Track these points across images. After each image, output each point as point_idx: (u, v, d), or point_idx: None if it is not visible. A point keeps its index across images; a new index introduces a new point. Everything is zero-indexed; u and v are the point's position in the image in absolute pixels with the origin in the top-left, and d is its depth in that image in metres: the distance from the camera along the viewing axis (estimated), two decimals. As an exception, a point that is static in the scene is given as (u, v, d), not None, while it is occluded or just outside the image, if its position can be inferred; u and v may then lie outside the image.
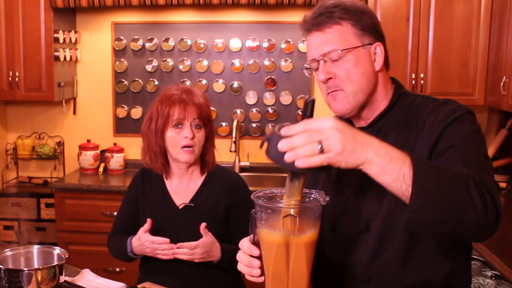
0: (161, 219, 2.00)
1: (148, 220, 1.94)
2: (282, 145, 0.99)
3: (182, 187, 2.06)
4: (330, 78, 1.31)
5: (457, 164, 1.15)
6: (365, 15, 1.33)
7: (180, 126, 1.96)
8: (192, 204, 2.02)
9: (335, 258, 1.38)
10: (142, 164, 2.11)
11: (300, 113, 3.72)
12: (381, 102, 1.37)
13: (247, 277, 1.25)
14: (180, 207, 2.03)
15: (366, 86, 1.32)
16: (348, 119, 1.41)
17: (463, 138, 1.21)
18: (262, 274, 1.19)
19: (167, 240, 1.90)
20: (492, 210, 1.06)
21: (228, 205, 2.02)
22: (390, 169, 1.03)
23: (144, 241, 1.92)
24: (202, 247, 1.87)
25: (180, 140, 1.95)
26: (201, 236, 1.89)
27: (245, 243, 1.22)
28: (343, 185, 1.37)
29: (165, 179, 2.08)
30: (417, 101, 1.36)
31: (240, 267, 1.24)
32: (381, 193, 1.21)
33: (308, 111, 1.06)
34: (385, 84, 1.37)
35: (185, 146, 1.95)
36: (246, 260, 1.22)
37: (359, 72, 1.31)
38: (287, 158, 0.99)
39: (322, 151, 0.98)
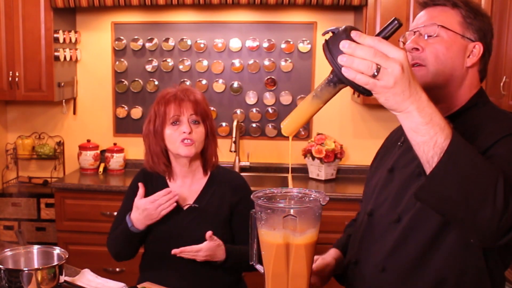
0: (166, 220, 2.00)
1: (140, 184, 1.94)
2: (344, 45, 0.96)
3: (186, 188, 2.06)
4: (417, 49, 1.29)
5: None
6: (481, 17, 1.32)
7: (177, 122, 1.97)
8: (197, 205, 2.02)
9: (364, 241, 1.41)
10: (142, 164, 2.11)
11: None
12: (461, 101, 1.33)
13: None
14: (185, 208, 2.02)
15: (449, 72, 1.29)
16: None
17: (510, 151, 1.16)
18: None
19: (167, 189, 1.90)
20: (509, 217, 1.01)
21: (232, 206, 2.03)
22: (425, 130, 0.99)
23: (144, 204, 1.90)
24: (206, 251, 1.87)
25: (178, 135, 1.96)
26: (203, 237, 1.89)
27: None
28: (394, 176, 1.38)
29: (168, 181, 2.07)
30: (491, 113, 1.32)
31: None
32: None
33: (388, 31, 1.03)
34: (472, 85, 1.34)
35: (184, 140, 1.95)
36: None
37: (448, 55, 1.29)
38: (341, 60, 0.96)
39: (375, 75, 0.95)
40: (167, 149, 2.01)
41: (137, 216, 1.93)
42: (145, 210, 1.90)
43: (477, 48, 1.31)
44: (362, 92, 0.99)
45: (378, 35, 1.02)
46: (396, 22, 1.02)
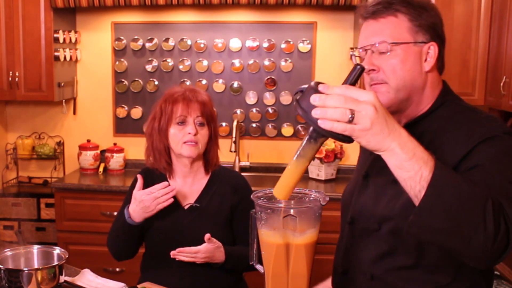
0: (166, 219, 2.00)
1: (139, 176, 1.93)
2: (315, 99, 0.97)
3: (187, 187, 2.06)
4: (373, 70, 1.27)
5: (479, 184, 1.09)
6: (426, 12, 1.28)
7: (183, 123, 1.97)
8: (198, 205, 2.02)
9: (350, 250, 1.39)
10: (142, 164, 2.11)
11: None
12: (427, 104, 1.32)
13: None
14: (186, 207, 2.02)
15: (410, 84, 1.27)
16: None
17: (492, 160, 1.15)
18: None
19: (165, 183, 1.88)
20: (502, 238, 1.01)
21: (233, 206, 2.02)
22: (409, 165, 1.00)
23: (141, 195, 1.87)
24: (204, 252, 1.86)
25: (183, 136, 1.96)
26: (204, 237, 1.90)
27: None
28: (369, 182, 1.36)
29: (168, 179, 2.08)
30: (460, 111, 1.31)
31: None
32: (397, 198, 1.19)
33: (353, 78, 1.03)
34: (434, 86, 1.32)
35: (188, 141, 1.95)
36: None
37: (405, 68, 1.26)
38: (315, 113, 0.97)
39: (350, 121, 0.96)
40: (169, 147, 2.01)
41: (134, 207, 1.91)
42: (142, 201, 1.88)
43: (432, 49, 1.29)
44: (343, 140, 1.00)
45: (344, 83, 1.03)
46: (359, 67, 1.03)
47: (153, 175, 2.08)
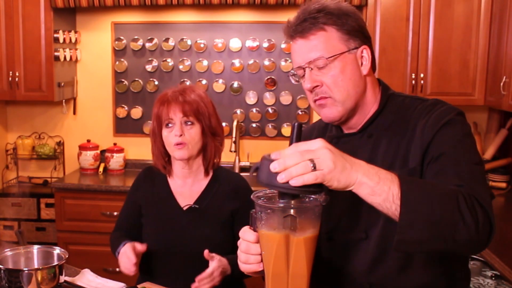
0: (165, 220, 2.00)
1: (143, 245, 1.91)
2: (274, 166, 1.00)
3: (187, 187, 2.06)
4: (317, 86, 1.29)
5: (447, 176, 1.15)
6: (350, 18, 1.30)
7: (170, 125, 1.98)
8: (197, 206, 2.01)
9: (335, 265, 1.37)
10: (142, 164, 2.12)
11: (300, 113, 3.73)
12: (371, 106, 1.35)
13: (241, 266, 1.24)
14: (184, 208, 2.02)
15: (354, 92, 1.30)
16: (338, 126, 1.39)
17: (454, 145, 1.20)
18: (261, 261, 1.19)
19: (133, 260, 1.85)
20: (484, 223, 1.06)
21: (234, 209, 2.01)
22: (380, 189, 1.03)
23: (121, 253, 1.89)
24: (217, 268, 1.83)
25: (172, 138, 1.96)
26: (204, 238, 1.91)
27: (246, 231, 1.22)
28: (337, 193, 1.35)
29: (169, 179, 2.08)
30: (405, 102, 1.34)
31: (238, 253, 1.24)
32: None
33: (295, 135, 1.07)
34: (374, 87, 1.35)
35: (176, 144, 1.95)
36: (244, 246, 1.22)
37: (346, 78, 1.28)
38: (280, 178, 0.99)
39: (314, 169, 0.98)
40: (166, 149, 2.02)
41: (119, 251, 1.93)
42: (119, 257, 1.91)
43: (366, 52, 1.31)
44: (314, 192, 1.02)
45: (290, 144, 1.06)
46: (296, 124, 1.07)
47: (154, 175, 2.09)
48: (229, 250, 1.99)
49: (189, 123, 1.98)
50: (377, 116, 1.34)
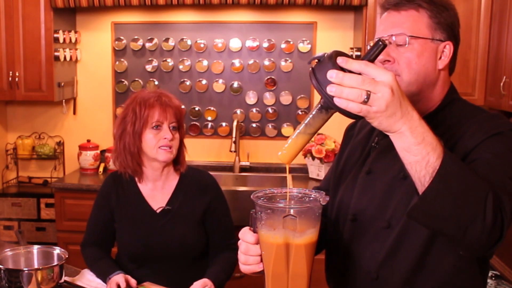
0: (139, 224, 2.01)
1: (134, 282, 1.91)
2: (331, 75, 0.96)
3: (157, 190, 2.07)
4: (389, 61, 1.27)
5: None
6: (447, 11, 1.29)
7: (159, 127, 1.98)
8: (170, 207, 2.03)
9: (351, 248, 1.37)
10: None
11: (300, 113, 3.72)
12: (435, 102, 1.33)
13: (241, 267, 1.24)
14: (158, 211, 2.03)
15: (423, 79, 1.28)
16: None
17: (496, 154, 1.17)
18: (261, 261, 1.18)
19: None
20: (497, 230, 1.04)
21: (206, 205, 2.04)
22: (417, 150, 1.00)
23: (115, 279, 1.89)
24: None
25: (158, 141, 1.97)
26: (180, 239, 1.96)
27: (245, 233, 1.22)
28: (374, 179, 1.35)
29: (138, 183, 2.07)
30: (467, 109, 1.33)
31: (238, 253, 1.24)
32: (410, 195, 1.18)
33: (374, 53, 1.02)
34: (444, 86, 1.34)
35: (163, 146, 1.97)
36: (243, 247, 1.21)
37: (420, 63, 1.27)
38: (330, 90, 0.96)
39: (365, 101, 0.95)
40: (142, 151, 2.01)
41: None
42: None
43: (448, 48, 1.30)
44: (354, 117, 0.99)
45: (364, 58, 1.02)
46: (380, 43, 1.02)
47: (122, 180, 2.08)
48: (203, 248, 2.03)
49: (175, 128, 2.01)
50: (435, 114, 1.32)
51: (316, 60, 1.01)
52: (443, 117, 1.32)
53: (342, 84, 0.96)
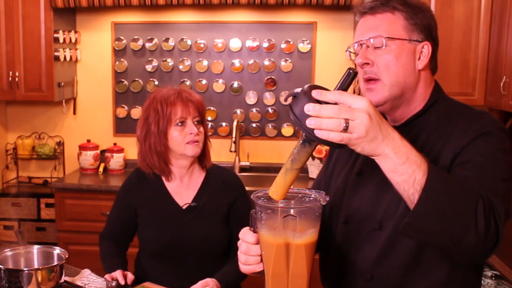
0: (164, 220, 2.00)
1: (130, 276, 1.91)
2: (309, 109, 0.97)
3: (183, 187, 2.07)
4: (367, 63, 1.28)
5: (470, 181, 1.12)
6: (422, 13, 1.30)
7: (183, 123, 1.98)
8: (196, 204, 2.03)
9: (344, 250, 1.38)
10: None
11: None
12: (419, 102, 1.33)
13: (241, 267, 1.24)
14: (184, 207, 2.03)
15: (403, 80, 1.28)
16: (383, 115, 1.36)
17: (485, 156, 1.17)
18: (261, 261, 1.19)
19: (122, 282, 1.87)
20: (492, 236, 1.05)
21: (229, 204, 2.04)
22: (403, 169, 1.01)
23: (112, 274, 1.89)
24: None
25: (184, 137, 1.97)
26: (205, 236, 1.94)
27: (246, 233, 1.22)
28: (364, 180, 1.35)
29: (165, 181, 2.07)
30: (454, 108, 1.33)
31: (238, 254, 1.24)
32: (400, 197, 1.19)
33: (346, 82, 1.03)
34: (426, 85, 1.34)
35: (191, 141, 1.97)
36: (244, 247, 1.21)
37: (399, 64, 1.27)
38: (309, 123, 0.97)
39: (345, 130, 0.96)
40: (169, 149, 2.01)
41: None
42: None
43: (426, 48, 1.30)
44: (338, 146, 1.00)
45: (337, 88, 1.03)
46: (351, 71, 1.03)
47: (146, 177, 2.08)
48: (226, 246, 2.02)
49: (199, 122, 2.01)
50: (421, 114, 1.33)
51: (292, 97, 1.03)
52: (429, 117, 1.32)
53: (320, 116, 0.97)
